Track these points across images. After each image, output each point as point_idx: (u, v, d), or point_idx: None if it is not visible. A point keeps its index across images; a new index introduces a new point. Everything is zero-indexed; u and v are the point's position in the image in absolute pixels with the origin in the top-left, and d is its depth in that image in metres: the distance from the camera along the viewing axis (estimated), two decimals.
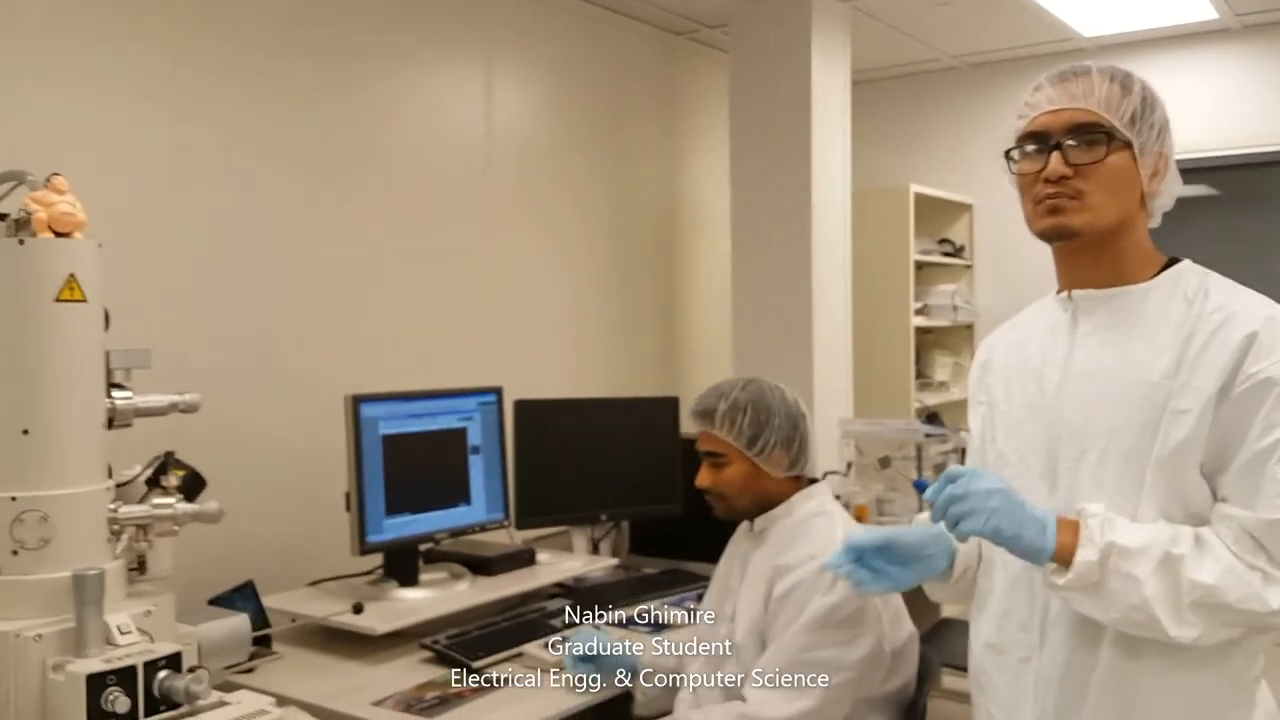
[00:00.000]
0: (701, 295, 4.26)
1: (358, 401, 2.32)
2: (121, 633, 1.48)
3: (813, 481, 2.05)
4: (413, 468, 2.43)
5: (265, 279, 2.60)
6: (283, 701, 1.98)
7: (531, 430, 2.74)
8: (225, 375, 2.47)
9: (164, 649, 1.47)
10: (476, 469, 2.58)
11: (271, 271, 2.62)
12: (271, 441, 2.56)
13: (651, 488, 2.97)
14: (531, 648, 2.19)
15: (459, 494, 2.54)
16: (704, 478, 2.00)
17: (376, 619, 2.22)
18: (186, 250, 2.44)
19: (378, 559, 2.47)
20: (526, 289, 3.36)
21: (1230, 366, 1.28)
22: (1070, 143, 1.35)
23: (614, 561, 2.80)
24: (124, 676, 1.40)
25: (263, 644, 2.19)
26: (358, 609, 2.06)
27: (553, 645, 2.19)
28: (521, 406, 2.73)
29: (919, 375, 5.03)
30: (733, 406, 1.95)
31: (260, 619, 2.25)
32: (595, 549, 2.95)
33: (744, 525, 2.04)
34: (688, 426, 3.13)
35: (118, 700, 1.38)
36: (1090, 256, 1.39)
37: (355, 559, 2.41)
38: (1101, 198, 1.35)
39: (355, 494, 2.31)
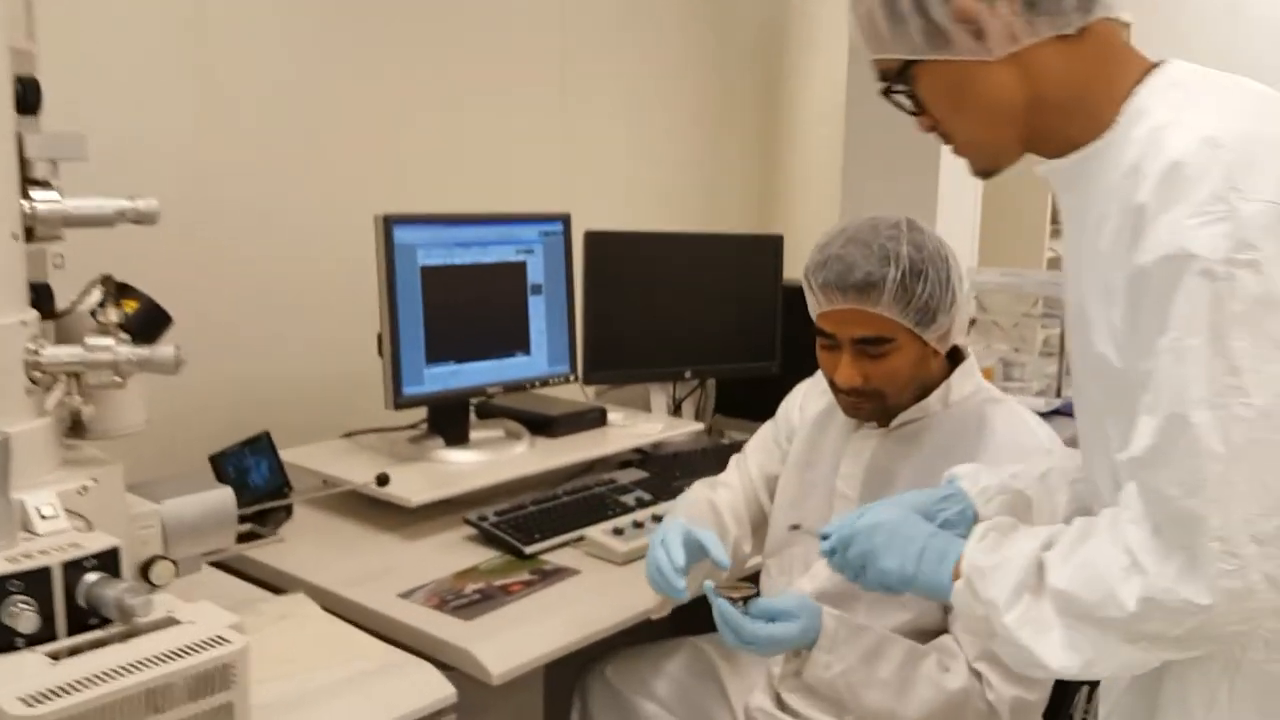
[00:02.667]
0: (808, 122, 3.67)
1: (390, 224, 1.88)
2: (43, 517, 1.11)
3: (955, 353, 1.54)
4: (460, 308, 2.01)
5: (285, 75, 2.13)
6: (293, 585, 1.65)
7: (605, 268, 2.29)
8: (237, 190, 2.04)
9: (96, 542, 1.09)
10: (537, 312, 2.15)
11: (293, 67, 2.14)
12: (297, 271, 2.15)
13: (744, 341, 2.52)
14: (596, 532, 1.80)
15: (516, 341, 2.12)
16: (855, 373, 1.45)
17: (413, 486, 1.84)
18: (184, 29, 1.98)
19: (423, 411, 2.09)
20: (598, 105, 2.82)
21: None
22: None
23: (699, 426, 2.38)
24: (34, 581, 1.03)
25: (283, 509, 1.84)
26: (382, 480, 1.67)
27: (620, 529, 1.80)
28: (594, 239, 2.27)
29: (1052, 220, 4.42)
30: (910, 272, 1.40)
31: (278, 477, 1.90)
32: (677, 410, 2.53)
33: (849, 420, 1.54)
34: (794, 272, 2.66)
35: (21, 615, 1.01)
36: None
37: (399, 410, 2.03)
38: None
39: (389, 336, 1.90)
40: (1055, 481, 1.28)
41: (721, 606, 1.32)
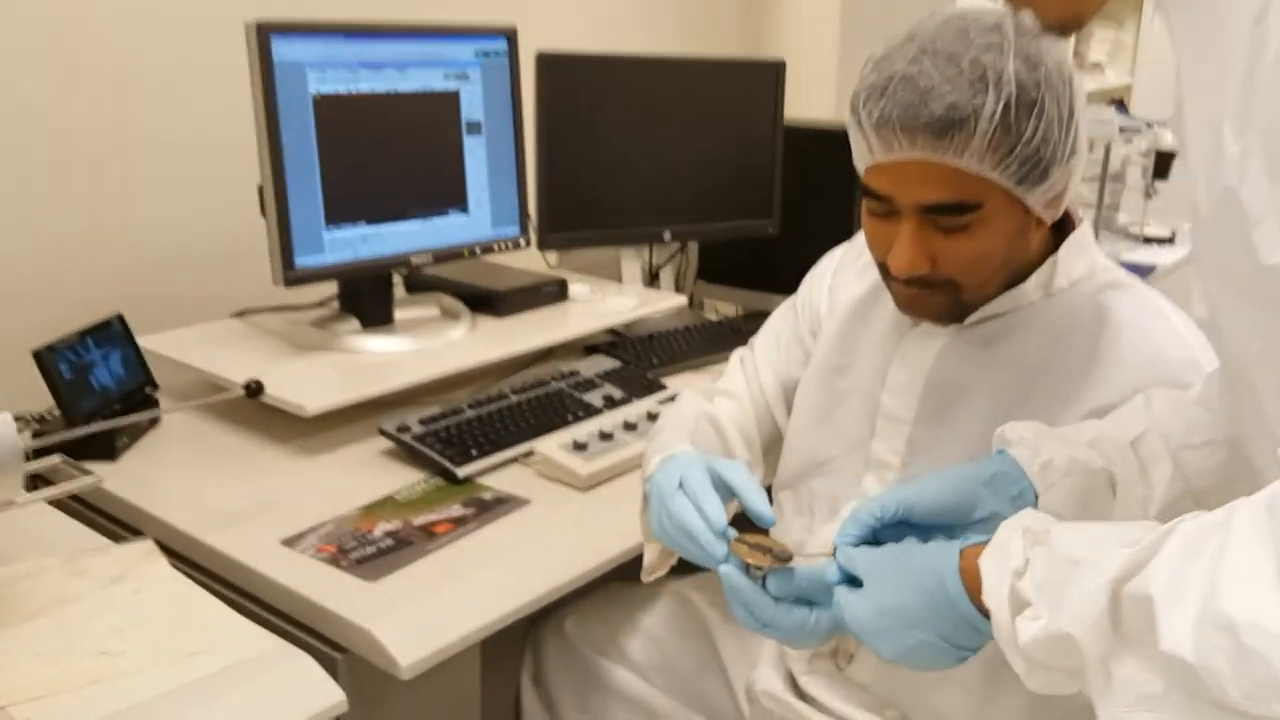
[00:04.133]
0: None
1: (266, 34, 1.39)
2: None
3: (1062, 221, 1.06)
4: (370, 152, 1.54)
5: None
6: (146, 524, 1.24)
7: (563, 100, 1.81)
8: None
9: None
10: (476, 157, 1.68)
11: None
12: (169, 102, 1.66)
13: (736, 195, 2.06)
14: (550, 446, 1.39)
15: (448, 195, 1.66)
16: (920, 256, 0.97)
17: (313, 385, 1.42)
18: None
19: (332, 286, 1.65)
20: None
21: None
22: None
23: (681, 299, 1.95)
24: None
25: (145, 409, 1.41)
26: (253, 390, 1.24)
27: (581, 443, 1.38)
28: (548, 63, 1.78)
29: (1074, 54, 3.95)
30: (1018, 102, 0.90)
31: (137, 374, 1.47)
32: (654, 279, 2.09)
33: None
34: (796, 109, 2.18)
35: None
36: None
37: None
38: None
39: (272, 191, 1.44)
40: (1153, 450, 0.88)
41: (732, 580, 0.91)
